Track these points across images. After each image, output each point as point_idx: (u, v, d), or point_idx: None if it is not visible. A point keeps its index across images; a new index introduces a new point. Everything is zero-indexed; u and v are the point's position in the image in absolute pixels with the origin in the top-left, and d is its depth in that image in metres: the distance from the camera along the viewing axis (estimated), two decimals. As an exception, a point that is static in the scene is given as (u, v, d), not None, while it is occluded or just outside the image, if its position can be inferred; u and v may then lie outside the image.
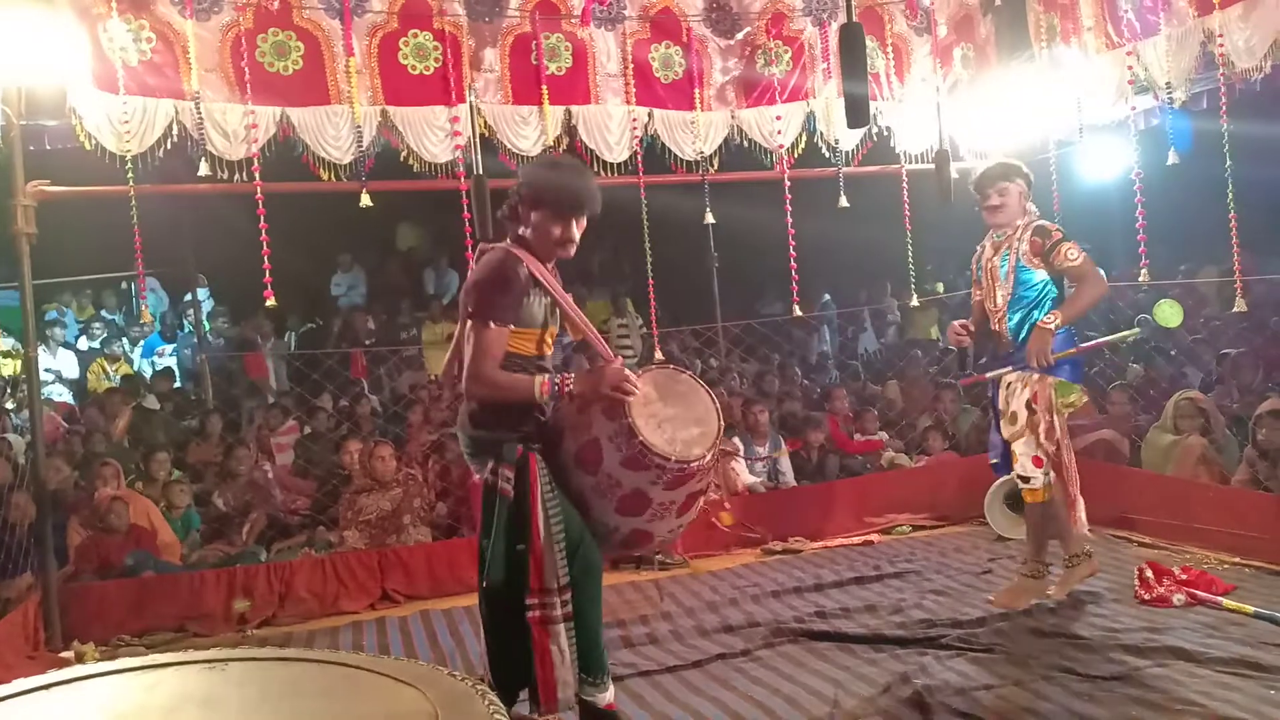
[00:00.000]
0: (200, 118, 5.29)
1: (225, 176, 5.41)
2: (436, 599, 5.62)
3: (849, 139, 6.54)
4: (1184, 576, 4.68)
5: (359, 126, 5.57)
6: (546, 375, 3.30)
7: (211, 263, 11.00)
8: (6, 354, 9.76)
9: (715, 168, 6.36)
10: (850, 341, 11.81)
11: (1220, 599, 4.48)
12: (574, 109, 6.01)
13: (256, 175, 5.42)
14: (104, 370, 10.12)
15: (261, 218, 5.43)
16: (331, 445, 7.21)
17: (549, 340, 3.43)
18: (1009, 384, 4.64)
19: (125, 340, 11.17)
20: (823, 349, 11.46)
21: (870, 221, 7.43)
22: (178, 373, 10.35)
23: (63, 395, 9.56)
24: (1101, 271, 4.82)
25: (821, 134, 6.52)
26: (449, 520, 6.32)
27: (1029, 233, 4.62)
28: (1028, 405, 4.54)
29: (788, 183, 6.44)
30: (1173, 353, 8.46)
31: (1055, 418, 4.51)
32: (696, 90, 6.26)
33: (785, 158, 6.43)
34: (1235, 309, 5.70)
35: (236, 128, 5.37)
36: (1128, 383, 7.07)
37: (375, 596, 5.69)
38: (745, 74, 6.41)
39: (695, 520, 3.61)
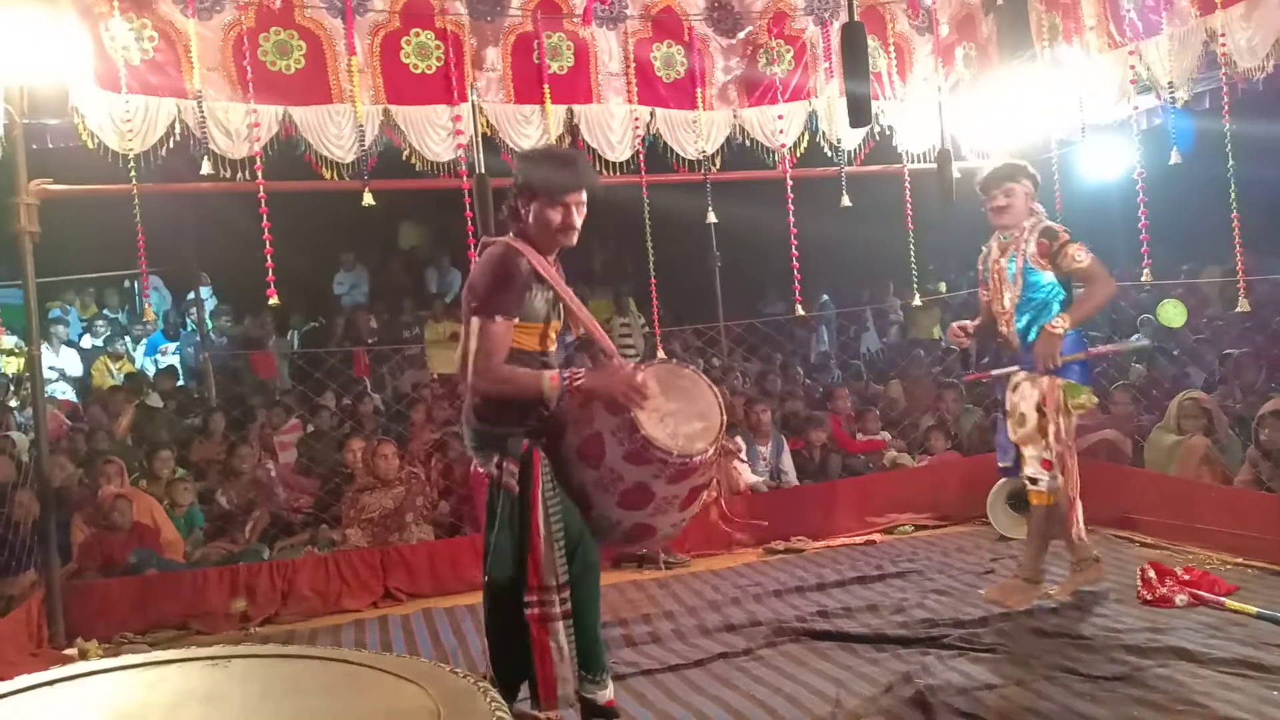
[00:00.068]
0: (202, 116, 5.30)
1: (228, 175, 5.42)
2: (439, 597, 5.63)
3: (851, 138, 6.53)
4: (1186, 577, 4.67)
5: (361, 125, 5.57)
6: (555, 370, 3.29)
7: (214, 261, 11.02)
8: (10, 352, 9.74)
9: (717, 167, 6.36)
10: (852, 341, 11.80)
11: (1223, 600, 4.47)
12: (576, 108, 6.01)
13: (259, 174, 5.42)
14: (108, 368, 10.12)
15: (264, 216, 5.44)
16: (334, 444, 7.22)
17: (552, 335, 3.41)
18: (1017, 385, 4.62)
19: (128, 338, 11.19)
20: (821, 349, 11.45)
21: (872, 221, 7.43)
22: (180, 371, 10.36)
23: (66, 393, 9.56)
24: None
25: (823, 133, 6.51)
26: (451, 518, 6.33)
27: (1036, 234, 4.55)
28: (1037, 408, 4.51)
29: (790, 182, 6.44)
30: (1175, 353, 8.44)
31: (1064, 420, 4.49)
32: (698, 89, 6.26)
33: (787, 157, 6.42)
34: (1238, 309, 5.70)
35: (239, 127, 5.38)
36: (1130, 383, 7.06)
37: (378, 594, 5.70)
38: (747, 73, 6.41)
39: (697, 516, 3.61)
